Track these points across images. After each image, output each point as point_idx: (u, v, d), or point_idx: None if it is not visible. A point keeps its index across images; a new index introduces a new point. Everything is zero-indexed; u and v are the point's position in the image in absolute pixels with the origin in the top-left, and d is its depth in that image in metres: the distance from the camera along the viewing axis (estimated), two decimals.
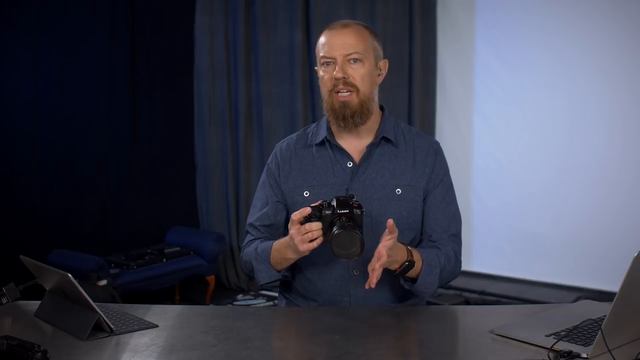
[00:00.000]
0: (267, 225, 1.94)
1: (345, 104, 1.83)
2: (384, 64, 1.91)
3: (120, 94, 4.72)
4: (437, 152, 1.94)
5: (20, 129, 4.28)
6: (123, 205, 4.74)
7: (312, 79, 5.01)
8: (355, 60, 1.82)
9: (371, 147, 1.89)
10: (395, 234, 1.68)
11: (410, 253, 1.76)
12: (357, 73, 1.83)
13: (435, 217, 1.89)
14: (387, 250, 1.66)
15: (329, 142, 1.91)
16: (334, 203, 1.69)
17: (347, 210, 1.68)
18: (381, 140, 1.90)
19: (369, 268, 1.69)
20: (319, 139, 1.93)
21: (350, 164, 1.89)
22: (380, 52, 1.90)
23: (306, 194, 1.88)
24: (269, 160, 2.00)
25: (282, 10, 4.99)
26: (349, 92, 1.83)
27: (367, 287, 1.68)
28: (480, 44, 4.79)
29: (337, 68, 1.82)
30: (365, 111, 1.85)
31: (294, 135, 2.02)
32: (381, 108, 1.95)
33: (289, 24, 4.99)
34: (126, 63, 4.73)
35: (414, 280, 1.80)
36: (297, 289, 1.94)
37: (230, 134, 5.11)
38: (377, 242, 1.81)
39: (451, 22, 4.87)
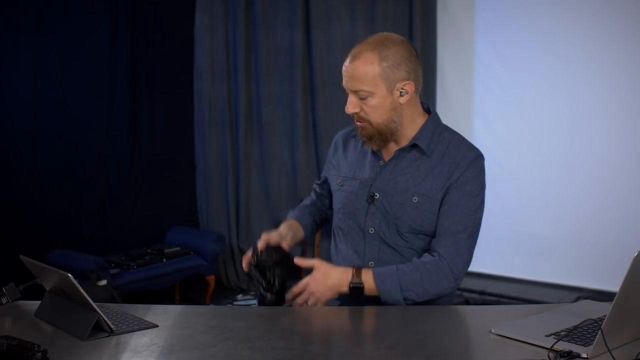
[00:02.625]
0: (319, 193, 2.16)
1: (361, 130, 1.87)
2: (407, 86, 1.81)
3: (120, 94, 4.71)
4: (470, 164, 1.84)
5: (20, 129, 4.27)
6: (123, 205, 4.74)
7: (312, 79, 5.01)
8: (362, 97, 1.81)
9: (400, 151, 1.89)
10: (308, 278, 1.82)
11: (358, 272, 1.81)
12: (368, 106, 1.82)
13: (440, 222, 1.85)
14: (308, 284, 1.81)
15: None
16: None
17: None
18: (413, 146, 1.88)
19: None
20: None
21: (382, 162, 1.92)
22: (398, 74, 1.79)
23: (340, 183, 1.98)
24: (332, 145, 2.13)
25: (282, 10, 4.99)
26: (363, 122, 1.85)
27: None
28: (480, 44, 4.79)
29: (347, 103, 1.84)
30: (384, 136, 1.86)
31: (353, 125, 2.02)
32: (428, 111, 1.91)
33: (289, 24, 4.99)
34: (126, 63, 4.72)
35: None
36: None
37: (230, 134, 5.11)
38: (388, 239, 1.88)
39: (451, 22, 4.87)
